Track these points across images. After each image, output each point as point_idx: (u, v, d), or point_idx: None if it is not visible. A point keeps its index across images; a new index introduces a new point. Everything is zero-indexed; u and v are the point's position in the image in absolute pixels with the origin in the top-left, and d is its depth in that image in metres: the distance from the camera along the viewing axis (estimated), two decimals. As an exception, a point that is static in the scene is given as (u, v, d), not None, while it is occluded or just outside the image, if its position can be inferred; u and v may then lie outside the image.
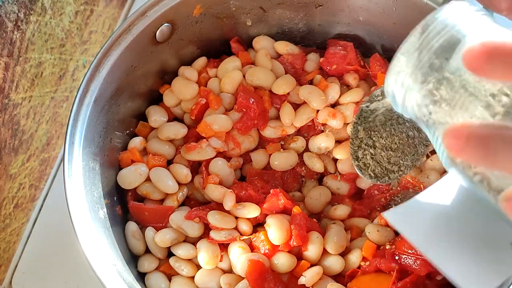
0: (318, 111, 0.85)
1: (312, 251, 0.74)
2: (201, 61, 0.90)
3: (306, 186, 0.86)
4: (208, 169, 0.81)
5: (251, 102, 0.82)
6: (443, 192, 0.53)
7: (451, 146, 0.38)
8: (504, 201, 0.38)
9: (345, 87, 0.89)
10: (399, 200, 0.81)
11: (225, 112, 0.85)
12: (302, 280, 0.73)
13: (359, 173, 0.72)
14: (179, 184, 0.81)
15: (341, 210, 0.81)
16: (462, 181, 0.47)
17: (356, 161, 0.72)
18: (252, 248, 0.75)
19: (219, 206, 0.78)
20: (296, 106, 0.85)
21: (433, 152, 0.84)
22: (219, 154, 0.83)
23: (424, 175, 0.82)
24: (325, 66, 0.88)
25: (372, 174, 0.71)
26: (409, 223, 0.53)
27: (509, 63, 0.37)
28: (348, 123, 0.85)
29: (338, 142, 0.86)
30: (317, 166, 0.84)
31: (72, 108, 0.73)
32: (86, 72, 0.74)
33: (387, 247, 0.73)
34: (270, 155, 0.85)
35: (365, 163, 0.71)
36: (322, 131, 0.86)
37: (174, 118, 0.89)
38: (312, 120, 0.85)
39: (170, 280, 0.76)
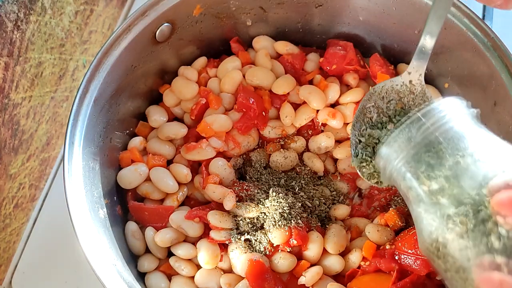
0: (318, 111, 0.85)
1: (312, 250, 0.74)
2: (201, 61, 0.90)
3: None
4: (208, 169, 0.81)
5: (251, 102, 0.82)
6: None
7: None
8: None
9: (345, 87, 0.89)
10: (399, 200, 0.81)
11: (225, 112, 0.85)
12: (302, 280, 0.73)
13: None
14: (179, 184, 0.81)
15: (341, 210, 0.81)
16: None
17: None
18: (252, 248, 0.75)
19: (219, 206, 0.78)
20: (296, 106, 0.86)
21: None
22: (219, 154, 0.83)
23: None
24: (325, 66, 0.88)
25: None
26: None
27: None
28: (348, 123, 0.85)
29: (338, 142, 0.86)
30: (317, 166, 0.84)
31: (72, 108, 0.73)
32: (86, 72, 0.74)
33: (387, 247, 0.73)
34: (270, 155, 0.85)
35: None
36: (322, 131, 0.86)
37: (174, 118, 0.89)
38: (312, 120, 0.85)
39: (170, 280, 0.77)
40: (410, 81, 0.71)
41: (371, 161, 0.69)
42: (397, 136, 0.59)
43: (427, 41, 0.66)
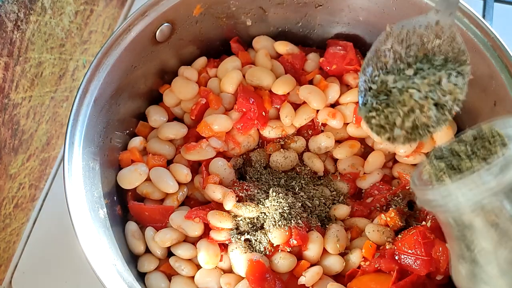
0: (318, 111, 0.85)
1: (312, 250, 0.74)
2: (201, 61, 0.90)
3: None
4: (208, 169, 0.81)
5: (251, 102, 0.82)
6: None
7: None
8: None
9: (345, 87, 0.89)
10: (399, 200, 0.81)
11: (225, 112, 0.85)
12: (302, 280, 0.73)
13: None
14: (179, 184, 0.81)
15: (341, 210, 0.81)
16: None
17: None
18: (252, 248, 0.75)
19: (219, 206, 0.78)
20: (296, 106, 0.86)
21: None
22: (219, 154, 0.83)
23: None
24: (325, 66, 0.88)
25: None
26: None
27: None
28: (348, 123, 0.85)
29: (338, 142, 0.86)
30: (317, 166, 0.84)
31: (72, 108, 0.73)
32: (86, 72, 0.74)
33: (387, 247, 0.73)
34: (270, 155, 0.85)
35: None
36: (322, 131, 0.86)
37: (174, 118, 0.89)
38: (312, 120, 0.85)
39: (170, 280, 0.77)
40: (437, 22, 0.60)
41: (382, 111, 0.59)
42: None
43: None
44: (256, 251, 0.75)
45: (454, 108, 0.61)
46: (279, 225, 0.73)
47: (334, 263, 0.75)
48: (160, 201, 0.81)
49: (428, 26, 0.60)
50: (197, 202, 0.83)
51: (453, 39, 0.60)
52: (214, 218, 0.75)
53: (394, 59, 0.61)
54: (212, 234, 0.75)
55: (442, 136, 0.82)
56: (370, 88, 0.60)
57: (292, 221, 0.74)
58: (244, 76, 0.86)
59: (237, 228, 0.76)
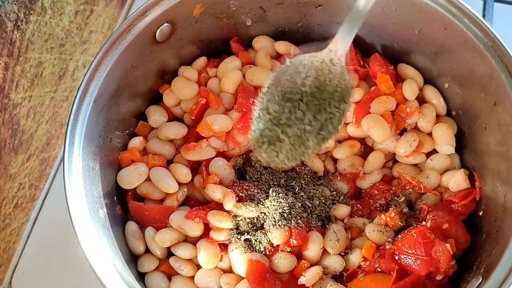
0: (318, 111, 0.85)
1: (312, 250, 0.74)
2: (201, 61, 0.90)
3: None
4: (208, 169, 0.81)
5: (251, 102, 0.82)
6: None
7: None
8: None
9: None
10: (399, 200, 0.81)
11: (225, 112, 0.85)
12: (302, 280, 0.73)
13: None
14: (179, 184, 0.81)
15: (341, 210, 0.81)
16: None
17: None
18: (252, 248, 0.75)
19: (219, 206, 0.78)
20: (296, 106, 0.85)
21: (433, 152, 0.84)
22: (219, 154, 0.83)
23: (424, 174, 0.82)
24: (325, 66, 0.88)
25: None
26: None
27: None
28: (348, 123, 0.85)
29: (338, 142, 0.86)
30: (317, 166, 0.84)
31: (72, 108, 0.73)
32: (86, 72, 0.74)
33: (387, 247, 0.73)
34: (270, 155, 0.85)
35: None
36: (322, 131, 0.86)
37: (174, 118, 0.89)
38: (312, 120, 0.85)
39: (170, 280, 0.77)
40: (331, 60, 0.70)
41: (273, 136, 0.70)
42: None
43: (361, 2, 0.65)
44: (256, 251, 0.75)
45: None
46: (279, 225, 0.73)
47: (334, 263, 0.75)
48: (160, 201, 0.81)
49: (324, 62, 0.70)
50: (197, 202, 0.83)
51: (342, 75, 0.70)
52: (214, 218, 0.75)
53: (291, 89, 0.70)
54: (212, 234, 0.75)
55: (442, 135, 0.82)
56: (264, 115, 0.70)
57: (292, 221, 0.74)
58: (244, 76, 0.86)
59: (237, 228, 0.76)
